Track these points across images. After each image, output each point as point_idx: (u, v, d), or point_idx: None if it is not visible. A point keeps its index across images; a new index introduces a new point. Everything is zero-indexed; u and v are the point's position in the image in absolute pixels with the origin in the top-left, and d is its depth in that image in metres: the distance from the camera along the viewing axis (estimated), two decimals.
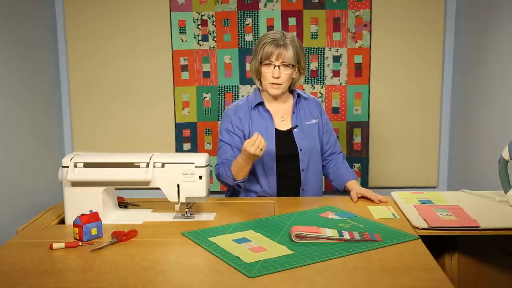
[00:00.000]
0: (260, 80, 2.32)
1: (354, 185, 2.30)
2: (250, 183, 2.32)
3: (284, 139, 2.32)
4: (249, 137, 2.28)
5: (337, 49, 3.34)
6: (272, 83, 2.25)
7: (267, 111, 2.33)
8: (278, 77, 2.22)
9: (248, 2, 3.30)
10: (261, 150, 2.07)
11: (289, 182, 2.33)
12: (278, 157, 2.30)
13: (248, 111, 2.34)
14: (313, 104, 2.42)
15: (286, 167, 2.32)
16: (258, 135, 2.07)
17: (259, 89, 2.37)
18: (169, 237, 1.81)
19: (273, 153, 2.29)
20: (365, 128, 3.42)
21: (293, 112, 2.35)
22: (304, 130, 2.34)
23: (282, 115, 2.35)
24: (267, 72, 2.24)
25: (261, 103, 2.34)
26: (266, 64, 2.23)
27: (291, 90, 2.39)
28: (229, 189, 2.44)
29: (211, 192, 2.11)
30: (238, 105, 2.37)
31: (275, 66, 2.22)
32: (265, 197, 2.31)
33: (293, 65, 2.24)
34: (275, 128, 2.32)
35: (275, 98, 2.34)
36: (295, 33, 3.27)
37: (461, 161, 3.25)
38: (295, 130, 2.33)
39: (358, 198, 2.20)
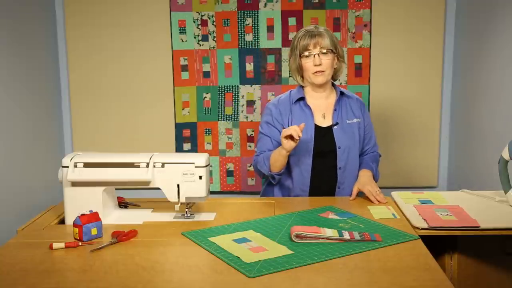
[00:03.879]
0: (302, 76, 2.34)
1: (361, 177, 2.28)
2: (284, 177, 2.33)
3: (324, 136, 2.32)
4: None
5: None
6: (316, 72, 2.27)
7: (308, 106, 2.34)
8: (320, 64, 2.25)
9: (248, 2, 3.30)
10: (291, 139, 2.08)
11: (325, 180, 2.33)
12: (316, 154, 2.29)
13: (289, 106, 2.35)
14: (356, 103, 2.41)
15: (323, 164, 2.31)
16: (303, 127, 2.10)
17: (301, 85, 2.38)
18: (169, 237, 1.81)
19: (310, 148, 2.29)
20: None
21: (335, 109, 2.35)
22: (345, 128, 2.34)
23: (323, 111, 2.36)
24: (308, 62, 2.27)
25: (302, 98, 2.35)
26: (305, 56, 2.26)
27: (334, 86, 2.40)
28: (264, 182, 2.46)
29: (211, 192, 2.11)
30: (280, 99, 2.40)
31: (314, 55, 2.25)
32: (299, 196, 2.32)
33: (332, 51, 2.27)
34: (315, 124, 2.32)
35: (321, 88, 2.34)
36: None
37: (461, 161, 3.25)
38: (335, 127, 2.33)
39: (356, 196, 2.21)
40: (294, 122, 2.31)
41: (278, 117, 2.34)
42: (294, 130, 2.07)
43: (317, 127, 2.32)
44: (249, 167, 3.44)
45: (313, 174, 2.31)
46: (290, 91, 2.42)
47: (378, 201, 2.15)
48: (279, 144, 2.28)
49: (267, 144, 2.34)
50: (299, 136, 2.07)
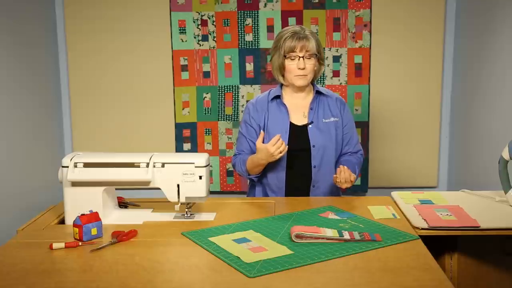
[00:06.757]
0: (283, 75, 2.34)
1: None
2: (262, 175, 2.35)
3: (299, 134, 2.33)
4: (264, 130, 2.33)
5: (337, 49, 3.34)
6: (298, 75, 2.28)
7: (284, 104, 2.35)
8: (303, 68, 2.26)
9: (248, 2, 3.30)
10: (280, 153, 2.14)
11: (299, 178, 2.33)
12: (290, 152, 2.30)
13: (266, 104, 2.37)
14: (335, 103, 2.40)
15: (297, 162, 2.32)
16: (279, 137, 2.14)
17: (281, 84, 2.39)
18: (169, 237, 1.81)
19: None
20: (365, 128, 3.42)
21: (311, 108, 2.36)
22: (320, 127, 2.34)
23: (300, 110, 2.37)
24: (292, 65, 2.28)
25: (278, 96, 2.37)
26: (290, 57, 2.27)
27: (312, 85, 2.42)
28: (249, 182, 2.50)
29: (211, 192, 2.11)
30: (258, 98, 2.43)
31: (299, 57, 2.25)
32: (272, 196, 2.33)
33: (315, 55, 2.28)
34: (290, 122, 2.33)
35: (301, 90, 2.36)
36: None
37: (461, 161, 3.25)
38: (310, 126, 2.34)
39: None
40: (270, 119, 2.34)
41: (255, 115, 2.37)
42: (279, 145, 2.14)
43: (292, 126, 2.34)
44: None
45: (288, 172, 2.32)
46: (270, 90, 2.44)
47: (338, 181, 2.18)
48: (254, 143, 2.30)
49: (244, 144, 2.39)
50: (280, 151, 2.15)
